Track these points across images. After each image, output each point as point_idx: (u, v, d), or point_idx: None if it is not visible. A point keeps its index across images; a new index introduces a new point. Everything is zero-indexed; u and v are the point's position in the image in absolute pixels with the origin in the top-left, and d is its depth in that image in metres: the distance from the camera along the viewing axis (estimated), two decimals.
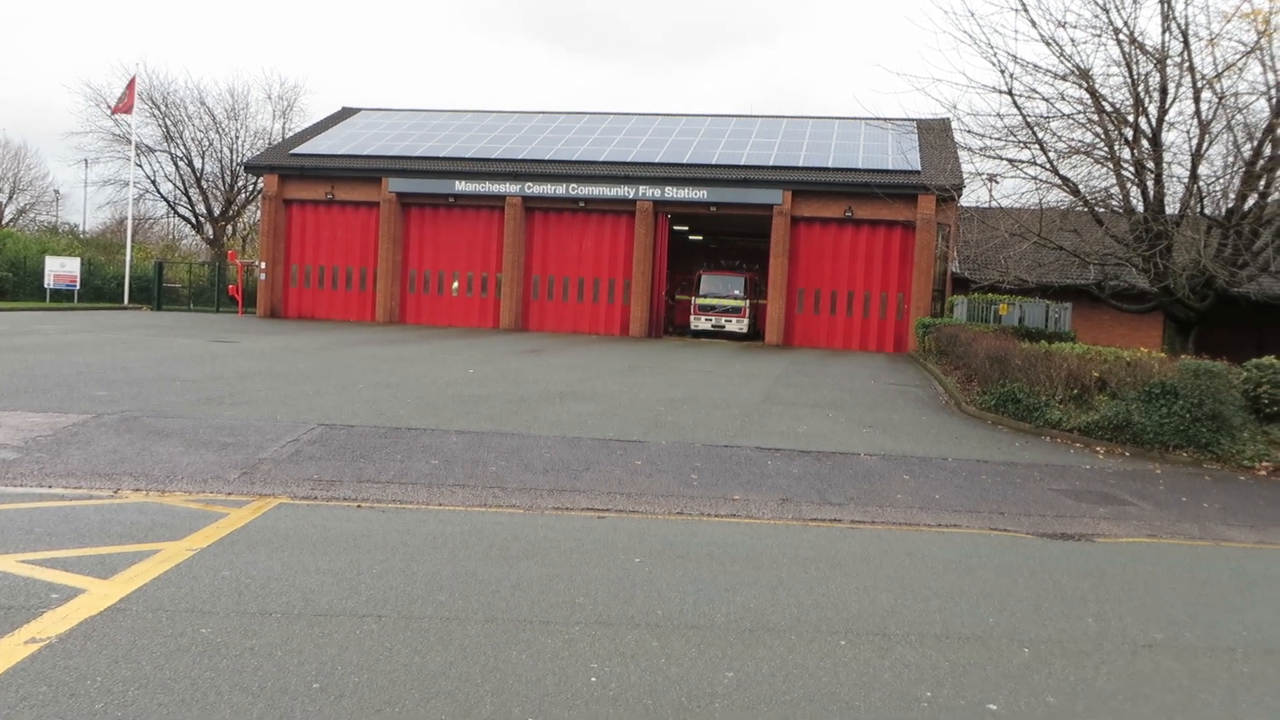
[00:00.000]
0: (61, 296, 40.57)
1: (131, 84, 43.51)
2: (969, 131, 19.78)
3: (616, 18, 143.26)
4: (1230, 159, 18.67)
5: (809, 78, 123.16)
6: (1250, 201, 18.56)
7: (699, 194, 33.27)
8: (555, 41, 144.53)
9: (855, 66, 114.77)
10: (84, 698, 4.19)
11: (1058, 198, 20.26)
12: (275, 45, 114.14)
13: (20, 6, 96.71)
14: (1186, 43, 17.59)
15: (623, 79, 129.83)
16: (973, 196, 29.89)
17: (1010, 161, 19.70)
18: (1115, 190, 19.53)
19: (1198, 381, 12.84)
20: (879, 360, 27.54)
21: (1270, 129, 17.71)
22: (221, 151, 55.57)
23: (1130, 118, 18.57)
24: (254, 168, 40.03)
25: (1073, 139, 19.16)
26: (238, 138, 55.80)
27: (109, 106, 50.43)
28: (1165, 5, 17.62)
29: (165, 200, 56.90)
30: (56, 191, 67.98)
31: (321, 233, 36.63)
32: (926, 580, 6.77)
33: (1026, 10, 18.17)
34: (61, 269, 40.90)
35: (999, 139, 19.29)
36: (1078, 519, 9.18)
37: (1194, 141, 18.37)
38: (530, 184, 34.24)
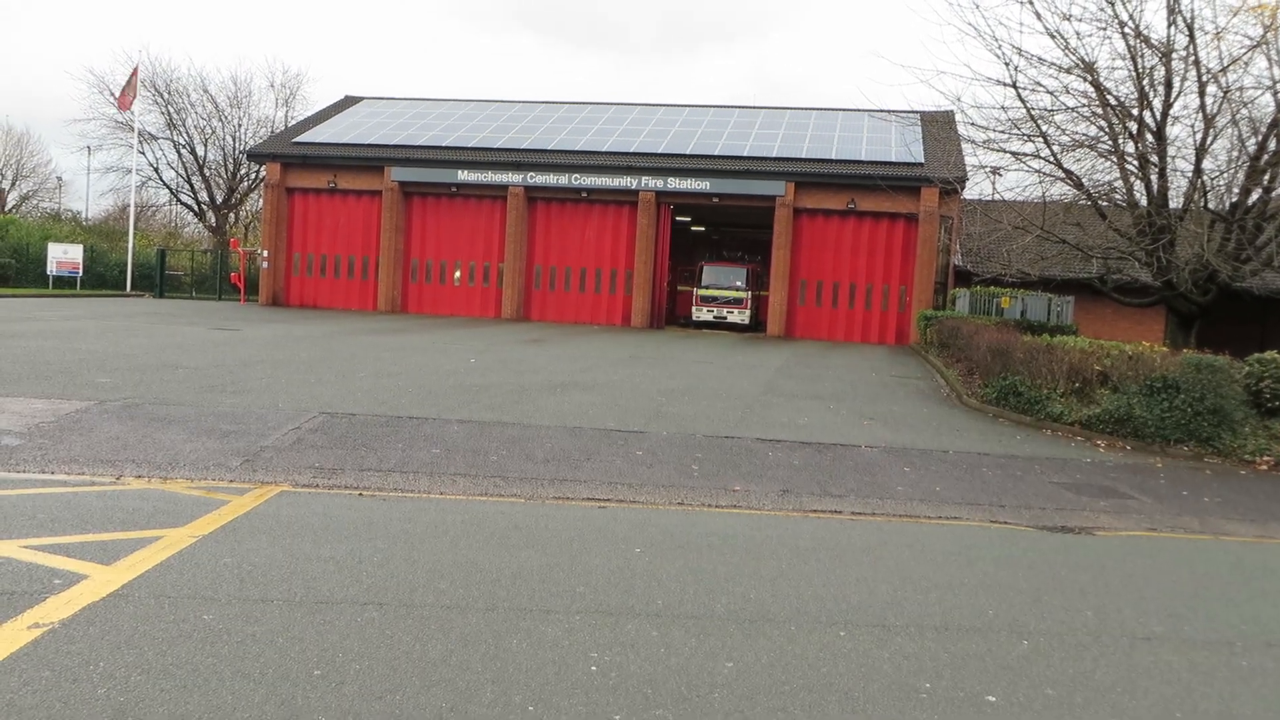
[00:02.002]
0: (64, 284, 40.59)
1: (134, 74, 43.42)
2: (973, 124, 19.72)
3: (608, 13, 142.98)
4: (1235, 153, 18.61)
5: (805, 71, 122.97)
6: (1254, 196, 18.50)
7: (702, 185, 33.23)
8: (550, 35, 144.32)
9: (854, 59, 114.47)
10: (86, 683, 4.20)
11: (1061, 191, 20.22)
12: (278, 34, 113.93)
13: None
14: (1192, 36, 17.52)
15: (617, 73, 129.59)
16: (976, 189, 29.94)
17: (1014, 154, 19.65)
18: (1119, 184, 19.48)
19: (1199, 376, 12.83)
20: (880, 352, 27.53)
21: (1275, 123, 17.63)
22: (224, 139, 55.60)
23: (1135, 111, 18.51)
24: (256, 156, 40.00)
25: (1077, 132, 19.11)
26: (240, 125, 55.82)
27: (112, 94, 50.41)
28: None
29: (168, 188, 56.98)
30: (59, 178, 68.12)
31: (324, 221, 36.62)
32: (926, 572, 6.78)
33: (1031, 3, 18.09)
34: (64, 256, 40.91)
35: (1003, 132, 19.23)
36: (1078, 512, 9.19)
37: (1198, 136, 18.31)
38: (533, 174, 34.21)
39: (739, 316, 35.07)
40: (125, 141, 52.38)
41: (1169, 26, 17.71)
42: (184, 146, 54.91)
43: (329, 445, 9.90)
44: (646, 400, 14.02)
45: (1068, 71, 18.38)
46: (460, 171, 34.67)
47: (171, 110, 54.00)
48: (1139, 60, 18.07)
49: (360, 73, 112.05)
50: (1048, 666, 5.09)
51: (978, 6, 28.88)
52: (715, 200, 33.71)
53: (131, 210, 47.26)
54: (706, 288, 35.76)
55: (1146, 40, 17.92)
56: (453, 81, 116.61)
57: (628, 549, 6.91)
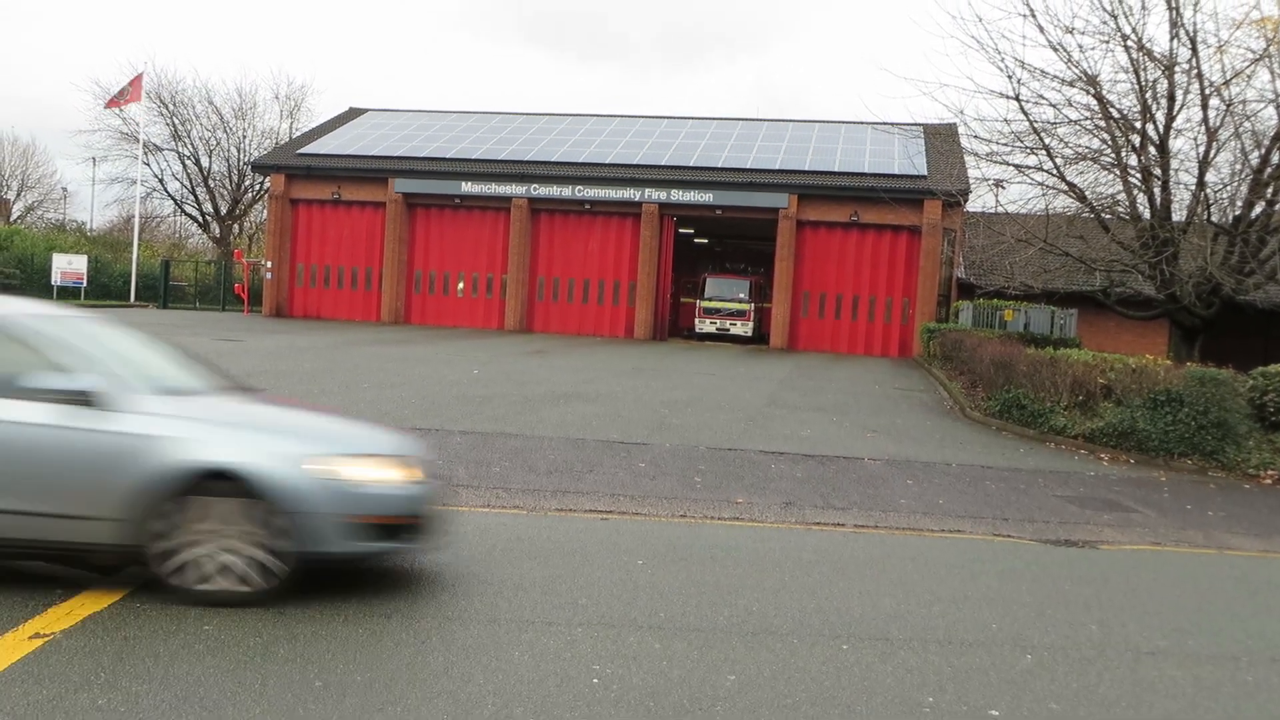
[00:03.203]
0: (68, 294, 40.66)
1: (138, 80, 43.52)
2: (976, 137, 19.76)
3: (611, 25, 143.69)
4: (1238, 166, 18.63)
5: (806, 84, 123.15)
6: (1257, 209, 18.51)
7: (705, 197, 33.27)
8: (553, 48, 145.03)
9: (856, 72, 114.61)
10: (87, 693, 4.20)
11: (1064, 204, 20.23)
12: (283, 45, 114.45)
13: (29, 5, 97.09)
14: (1195, 50, 17.55)
15: (620, 85, 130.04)
16: (979, 202, 29.88)
17: (1017, 167, 19.68)
18: (1122, 197, 19.49)
19: (1203, 389, 12.81)
20: (884, 365, 27.52)
21: (1278, 137, 17.65)
22: (229, 151, 55.71)
23: (1138, 124, 18.53)
24: (261, 167, 40.15)
25: (1080, 145, 19.13)
26: (245, 137, 55.93)
27: (118, 105, 50.54)
28: (1173, 12, 17.59)
29: (172, 199, 57.06)
30: (64, 189, 68.16)
31: (328, 232, 36.69)
32: (929, 585, 6.76)
33: (1034, 16, 18.14)
34: (69, 266, 41.02)
35: (1006, 144, 19.26)
36: (1082, 525, 9.17)
37: (1201, 149, 18.33)
38: (536, 185, 34.28)
39: (742, 328, 35.05)
40: (130, 153, 52.54)
41: (1171, 40, 17.76)
42: (189, 158, 55.09)
43: None
44: (649, 412, 14.01)
45: (1070, 84, 18.43)
46: (464, 183, 34.75)
47: (176, 121, 54.18)
48: (1142, 73, 18.11)
49: (364, 85, 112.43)
50: (1051, 681, 5.07)
51: (980, 19, 28.88)
52: (718, 212, 33.74)
53: (136, 221, 47.40)
54: (709, 300, 35.75)
55: (1149, 53, 17.96)
56: (456, 94, 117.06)
57: (630, 561, 6.90)
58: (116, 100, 44.37)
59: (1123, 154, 18.72)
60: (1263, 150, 18.00)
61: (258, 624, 5.14)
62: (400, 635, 5.12)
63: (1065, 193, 19.56)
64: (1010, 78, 18.61)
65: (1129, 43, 17.88)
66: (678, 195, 33.42)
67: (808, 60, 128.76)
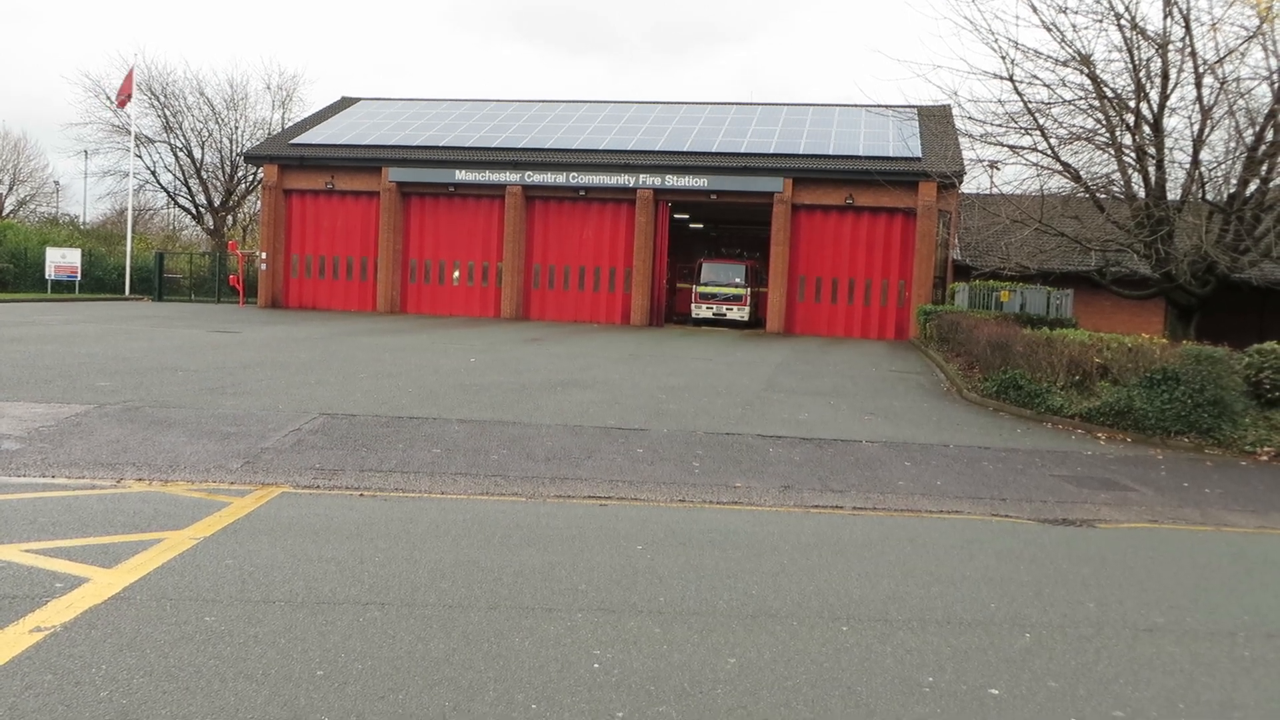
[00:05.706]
0: (62, 288, 40.58)
1: (129, 76, 43.34)
2: (970, 118, 19.74)
3: (600, 20, 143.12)
4: (1232, 144, 18.61)
5: (796, 74, 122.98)
6: (1252, 187, 18.51)
7: (700, 182, 33.21)
8: (541, 40, 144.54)
9: (848, 58, 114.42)
10: (88, 686, 4.21)
11: (1059, 184, 20.23)
12: (274, 36, 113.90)
13: (21, 2, 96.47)
14: (1188, 28, 17.52)
15: (607, 76, 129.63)
16: (974, 183, 29.87)
17: (1011, 148, 19.66)
18: (1117, 176, 19.48)
19: (1199, 367, 12.83)
20: (880, 347, 27.53)
21: (1272, 114, 17.63)
22: (221, 142, 55.53)
23: (1132, 103, 18.51)
24: (254, 158, 39.97)
25: (1074, 125, 19.11)
26: (237, 128, 55.75)
27: (108, 97, 50.36)
28: None
29: (165, 191, 56.91)
30: (56, 183, 67.90)
31: (322, 222, 36.60)
32: (928, 566, 6.78)
33: None
34: (62, 260, 40.91)
35: (1000, 125, 19.25)
36: (1079, 504, 9.19)
37: (1195, 127, 18.31)
38: (531, 173, 34.18)
39: (738, 313, 35.04)
40: (122, 145, 52.37)
41: (1165, 18, 17.72)
42: (181, 149, 54.90)
43: (330, 446, 9.90)
44: (647, 398, 14.02)
45: (1064, 64, 18.40)
46: (458, 171, 34.65)
47: (168, 113, 53.98)
48: (1135, 52, 18.07)
49: (356, 76, 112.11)
50: (1050, 659, 5.09)
51: (973, 0, 28.91)
52: (713, 197, 33.68)
53: (129, 214, 47.25)
54: (705, 285, 35.73)
55: (1143, 32, 17.93)
56: (448, 87, 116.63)
57: (629, 546, 6.91)
58: (122, 100, 44.08)
59: (1117, 133, 18.70)
60: (1257, 128, 17.99)
61: (258, 614, 5.15)
62: (401, 623, 5.13)
63: (1060, 173, 19.55)
64: (1004, 58, 18.60)
65: (1122, 21, 17.86)
66: (672, 180, 33.35)
67: (797, 49, 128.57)
